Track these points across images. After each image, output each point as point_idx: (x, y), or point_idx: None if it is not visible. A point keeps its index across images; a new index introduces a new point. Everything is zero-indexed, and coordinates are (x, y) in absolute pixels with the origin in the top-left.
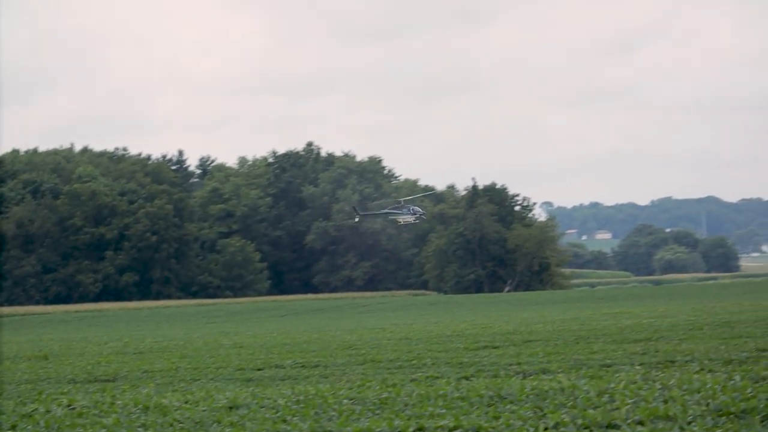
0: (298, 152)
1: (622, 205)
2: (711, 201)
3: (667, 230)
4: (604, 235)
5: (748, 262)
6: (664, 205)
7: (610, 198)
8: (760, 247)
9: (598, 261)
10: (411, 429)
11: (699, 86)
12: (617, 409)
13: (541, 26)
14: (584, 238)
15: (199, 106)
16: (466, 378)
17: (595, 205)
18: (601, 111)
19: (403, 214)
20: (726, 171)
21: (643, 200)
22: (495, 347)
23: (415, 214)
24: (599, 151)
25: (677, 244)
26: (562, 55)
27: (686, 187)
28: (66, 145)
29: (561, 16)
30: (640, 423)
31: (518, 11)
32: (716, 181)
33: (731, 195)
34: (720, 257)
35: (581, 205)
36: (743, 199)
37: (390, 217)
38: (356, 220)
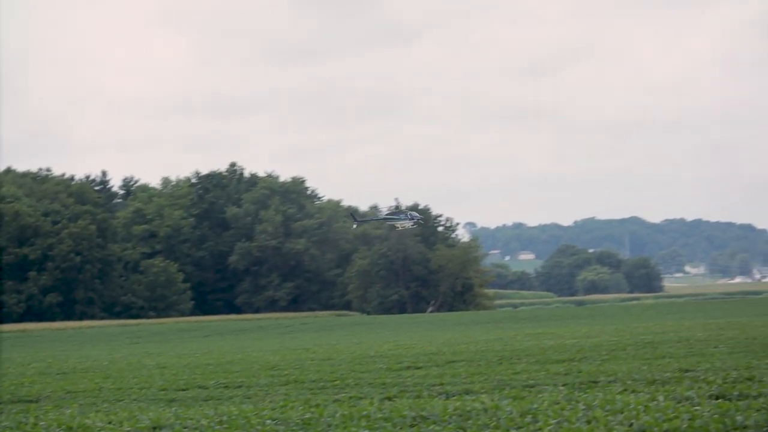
0: (221, 173)
1: (546, 225)
2: (634, 221)
3: (590, 251)
4: (527, 256)
5: (671, 282)
6: (587, 225)
7: (533, 218)
8: (683, 268)
9: (521, 281)
10: None
11: (622, 107)
12: (540, 429)
13: (464, 47)
14: (507, 258)
15: (124, 127)
16: (390, 399)
17: (518, 226)
18: (525, 131)
19: (400, 219)
20: (649, 191)
21: (566, 221)
22: (418, 368)
23: (413, 219)
24: (522, 171)
25: (600, 265)
26: (486, 75)
27: (609, 208)
28: None
29: (484, 36)
30: None
31: (442, 32)
32: (639, 202)
33: (654, 215)
34: (643, 278)
35: (504, 225)
36: (666, 220)
37: (388, 223)
38: (354, 226)
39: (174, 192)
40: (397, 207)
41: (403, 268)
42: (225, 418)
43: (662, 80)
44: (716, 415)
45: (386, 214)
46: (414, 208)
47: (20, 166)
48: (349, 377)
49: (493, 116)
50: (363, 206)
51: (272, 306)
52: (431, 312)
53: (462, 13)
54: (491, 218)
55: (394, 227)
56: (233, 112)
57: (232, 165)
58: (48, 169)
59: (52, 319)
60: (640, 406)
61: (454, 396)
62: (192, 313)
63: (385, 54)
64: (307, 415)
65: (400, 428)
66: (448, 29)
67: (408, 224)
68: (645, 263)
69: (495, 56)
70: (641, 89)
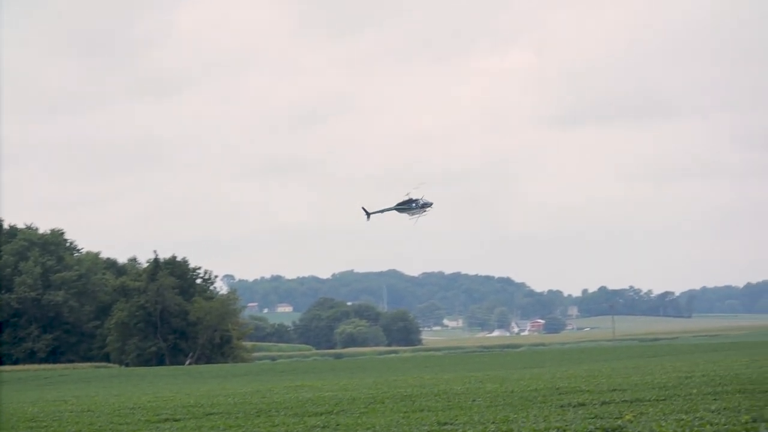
0: None
1: (304, 278)
2: (392, 274)
3: (349, 303)
4: (285, 308)
5: (430, 335)
6: (346, 278)
7: (291, 271)
8: (441, 321)
9: (279, 334)
10: None
11: (383, 159)
12: None
13: (226, 99)
14: (266, 311)
15: None
16: None
17: (276, 279)
18: (285, 184)
19: (411, 208)
20: (407, 244)
21: (324, 273)
22: (176, 420)
23: (425, 205)
24: (281, 224)
25: (358, 318)
26: (246, 128)
27: (368, 261)
28: None
29: (246, 89)
30: None
31: (204, 84)
32: (398, 255)
33: (412, 268)
34: (401, 330)
35: (263, 278)
36: (424, 273)
37: (401, 213)
38: (367, 219)
39: None
40: (407, 195)
41: (161, 320)
42: None
43: (423, 133)
44: None
45: (397, 204)
46: (172, 261)
47: None
48: (107, 429)
49: (253, 169)
50: (122, 258)
51: (31, 357)
52: (189, 364)
53: (225, 65)
54: (250, 271)
55: (408, 214)
56: None
57: None
58: None
59: None
60: None
61: None
62: None
63: (148, 106)
64: None
65: None
66: (211, 81)
67: (418, 211)
68: (403, 316)
69: (257, 109)
70: (403, 141)
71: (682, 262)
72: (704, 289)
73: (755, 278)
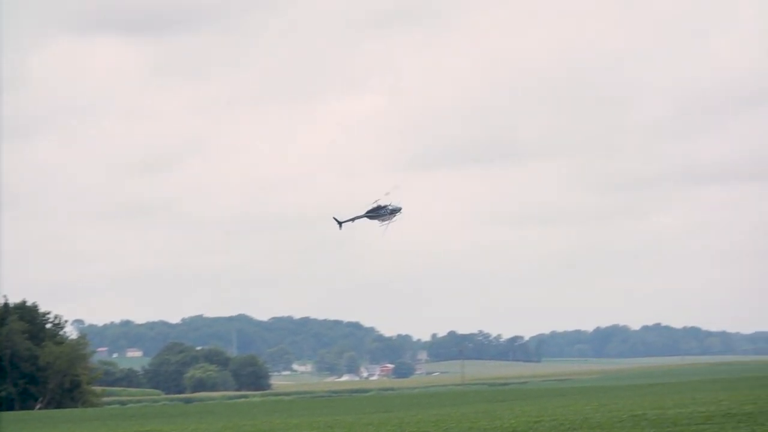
0: None
1: (154, 323)
2: (242, 319)
3: (198, 348)
4: (135, 353)
5: (279, 380)
6: (195, 323)
7: (141, 316)
8: (291, 365)
9: (129, 378)
10: None
11: (232, 203)
12: None
13: (80, 142)
14: (115, 355)
15: None
16: None
17: (126, 323)
18: (134, 228)
19: (381, 214)
20: (257, 289)
21: (174, 318)
22: None
23: (395, 211)
24: (131, 268)
25: (208, 362)
26: (98, 170)
27: (217, 306)
28: None
29: (97, 133)
30: None
31: (55, 128)
32: (247, 299)
33: (262, 313)
34: (251, 375)
35: (112, 323)
36: (274, 318)
37: (372, 219)
38: (339, 229)
39: None
40: (375, 202)
41: (10, 365)
42: None
43: (275, 177)
44: None
45: (367, 211)
46: (22, 306)
47: None
48: None
49: (102, 213)
50: None
51: None
52: (40, 409)
53: (76, 109)
54: (99, 315)
55: (380, 221)
56: None
57: None
58: None
59: None
60: None
61: None
62: None
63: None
64: None
65: None
66: (62, 125)
67: (388, 217)
68: (252, 361)
69: (108, 152)
70: (254, 186)
71: (531, 307)
72: (554, 334)
73: (604, 323)
